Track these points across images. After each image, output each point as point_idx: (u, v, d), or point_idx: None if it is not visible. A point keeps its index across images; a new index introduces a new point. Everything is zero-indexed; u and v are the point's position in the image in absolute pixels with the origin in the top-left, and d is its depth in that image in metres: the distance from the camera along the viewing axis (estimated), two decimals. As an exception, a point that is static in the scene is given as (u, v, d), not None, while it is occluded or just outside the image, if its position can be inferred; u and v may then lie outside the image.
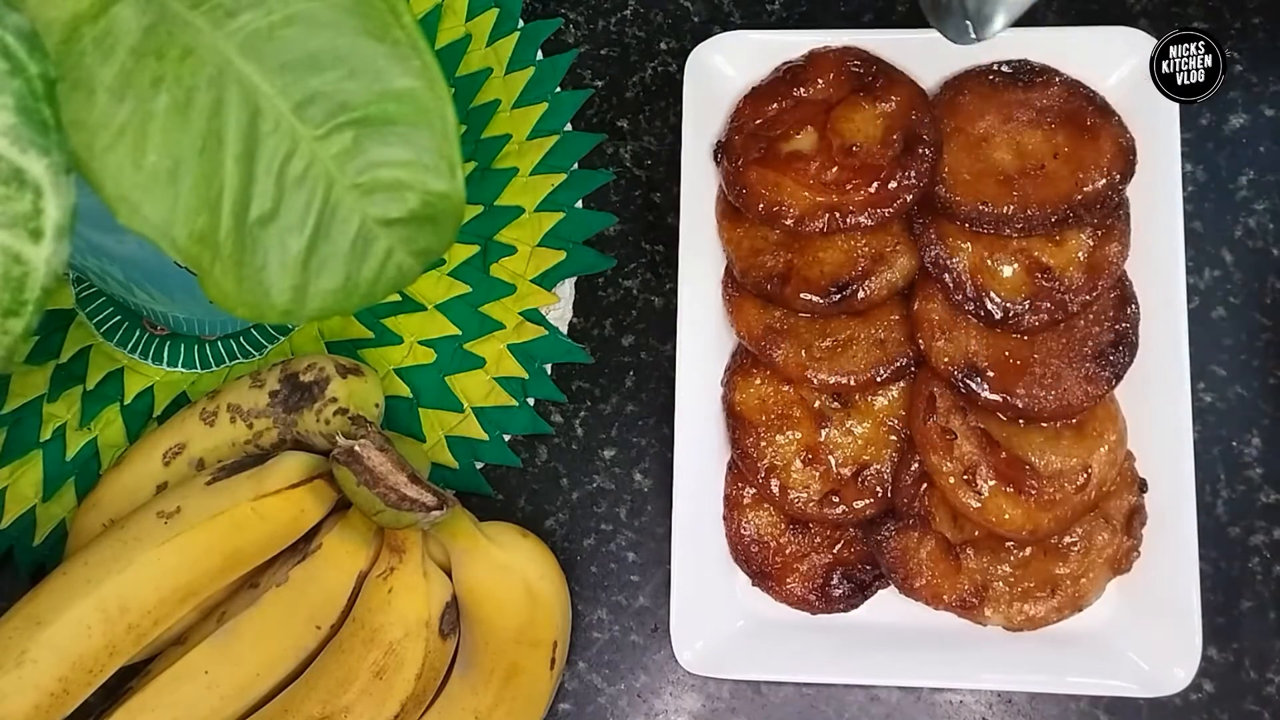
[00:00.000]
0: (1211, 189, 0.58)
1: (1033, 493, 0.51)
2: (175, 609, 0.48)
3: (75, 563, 0.48)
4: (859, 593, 0.54)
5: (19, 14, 0.29)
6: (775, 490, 0.53)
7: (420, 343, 0.58)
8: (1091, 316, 0.53)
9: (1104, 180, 0.53)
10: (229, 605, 0.51)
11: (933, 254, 0.53)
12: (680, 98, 0.57)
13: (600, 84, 0.61)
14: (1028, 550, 0.52)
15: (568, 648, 0.54)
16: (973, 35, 0.43)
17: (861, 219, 0.53)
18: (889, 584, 0.53)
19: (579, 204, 0.60)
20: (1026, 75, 0.55)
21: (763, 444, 0.54)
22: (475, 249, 0.59)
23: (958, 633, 0.53)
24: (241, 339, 0.59)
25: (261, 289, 0.33)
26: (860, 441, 0.54)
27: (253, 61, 0.32)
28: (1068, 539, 0.52)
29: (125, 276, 0.48)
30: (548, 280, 0.59)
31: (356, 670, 0.49)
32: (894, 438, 0.53)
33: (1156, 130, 0.54)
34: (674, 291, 0.56)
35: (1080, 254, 0.53)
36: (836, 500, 0.53)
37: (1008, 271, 0.53)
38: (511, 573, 0.51)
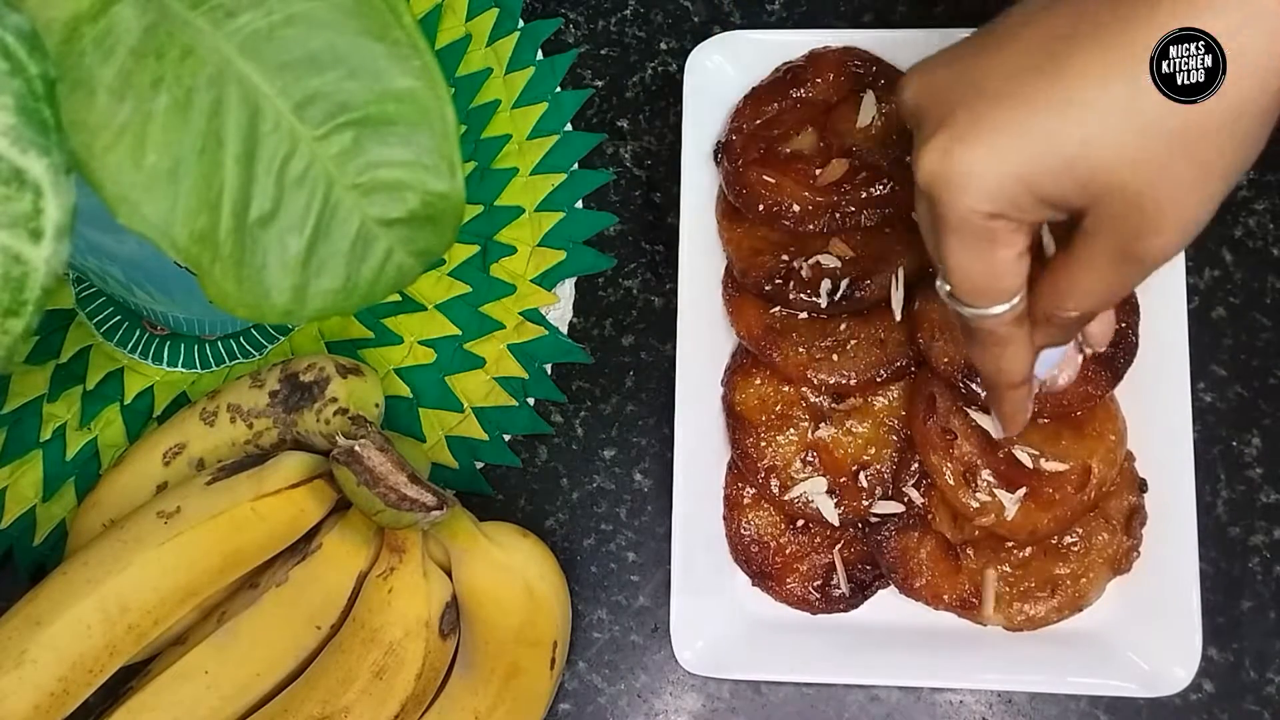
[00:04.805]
0: (1211, 189, 0.58)
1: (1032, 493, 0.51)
2: (175, 609, 0.48)
3: (75, 563, 0.48)
4: (859, 593, 0.54)
5: (19, 14, 0.29)
6: (775, 490, 0.53)
7: (420, 343, 0.58)
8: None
9: (1104, 180, 0.53)
10: (229, 605, 0.51)
11: (933, 254, 0.53)
12: (680, 98, 0.57)
13: (600, 84, 0.61)
14: (1028, 550, 0.52)
15: (568, 648, 0.54)
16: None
17: (861, 219, 0.53)
18: (889, 584, 0.53)
19: (579, 204, 0.60)
20: (1026, 75, 0.55)
21: (763, 444, 0.54)
22: (475, 249, 0.59)
23: (958, 633, 0.53)
24: (241, 339, 0.59)
25: (261, 289, 0.33)
26: (860, 441, 0.54)
27: (253, 61, 0.32)
28: (1068, 539, 0.52)
29: (125, 276, 0.48)
30: (548, 280, 0.59)
31: (356, 670, 0.49)
32: (894, 438, 0.53)
33: (1156, 130, 0.54)
34: (674, 291, 0.56)
35: (1080, 254, 0.53)
36: (836, 500, 0.53)
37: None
38: (511, 573, 0.51)
